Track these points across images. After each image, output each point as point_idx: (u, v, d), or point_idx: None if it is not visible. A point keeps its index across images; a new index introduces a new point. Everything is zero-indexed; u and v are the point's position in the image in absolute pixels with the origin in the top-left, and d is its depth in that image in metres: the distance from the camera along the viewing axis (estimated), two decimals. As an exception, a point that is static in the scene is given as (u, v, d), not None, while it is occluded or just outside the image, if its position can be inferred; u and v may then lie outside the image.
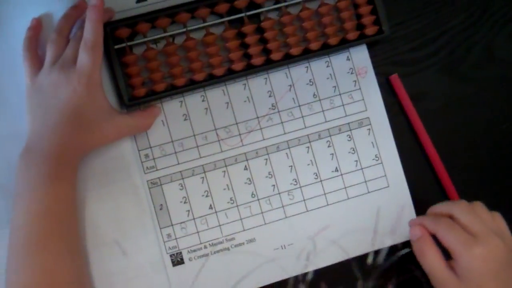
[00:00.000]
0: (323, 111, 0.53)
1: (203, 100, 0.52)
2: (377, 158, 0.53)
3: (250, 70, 0.51)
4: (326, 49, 0.52)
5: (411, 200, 0.53)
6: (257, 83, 0.52)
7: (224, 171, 0.51)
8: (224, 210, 0.51)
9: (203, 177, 0.51)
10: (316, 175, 0.53)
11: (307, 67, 0.53)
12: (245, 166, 0.52)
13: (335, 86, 0.53)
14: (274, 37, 0.51)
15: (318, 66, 0.53)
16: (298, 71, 0.53)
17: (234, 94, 0.52)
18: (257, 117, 0.52)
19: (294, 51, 0.51)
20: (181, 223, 0.51)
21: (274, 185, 0.52)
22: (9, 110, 0.49)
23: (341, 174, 0.53)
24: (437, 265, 0.44)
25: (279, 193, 0.52)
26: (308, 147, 0.53)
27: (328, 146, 0.53)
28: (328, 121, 0.53)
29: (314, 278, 0.52)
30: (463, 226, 0.44)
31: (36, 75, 0.46)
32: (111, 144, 0.49)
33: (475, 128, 0.56)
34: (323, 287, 0.52)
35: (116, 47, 0.49)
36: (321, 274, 0.52)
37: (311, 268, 0.52)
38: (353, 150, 0.53)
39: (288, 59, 0.51)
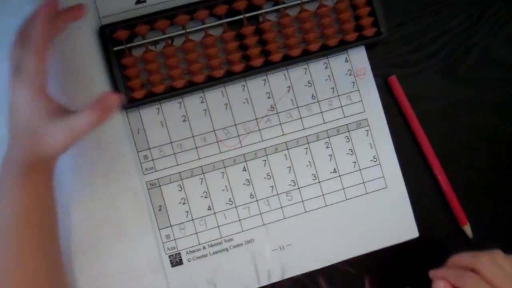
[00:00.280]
0: (321, 112, 0.53)
1: (202, 102, 0.52)
2: (375, 160, 0.53)
3: (249, 71, 0.51)
4: (325, 51, 0.52)
5: (409, 201, 0.54)
6: (256, 85, 0.52)
7: (223, 172, 0.52)
8: (222, 211, 0.51)
9: (202, 178, 0.51)
10: (315, 176, 0.53)
11: (306, 68, 0.53)
12: (244, 167, 0.52)
13: (333, 88, 0.53)
14: (273, 38, 0.51)
15: (317, 67, 0.53)
16: (297, 73, 0.53)
17: (233, 96, 0.52)
18: (256, 119, 0.52)
19: (293, 52, 0.51)
20: (180, 224, 0.51)
21: (272, 186, 0.52)
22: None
23: (339, 175, 0.53)
24: None
25: (277, 194, 0.52)
26: (306, 148, 0.53)
27: (327, 147, 0.53)
28: (327, 122, 0.53)
29: (313, 278, 0.52)
30: (488, 282, 0.43)
31: None
32: (109, 145, 0.49)
33: (473, 130, 0.56)
34: (323, 286, 0.53)
35: (115, 49, 0.49)
36: (320, 274, 0.52)
37: (308, 268, 0.52)
38: (351, 151, 0.53)
39: (287, 61, 0.51)
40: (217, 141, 0.52)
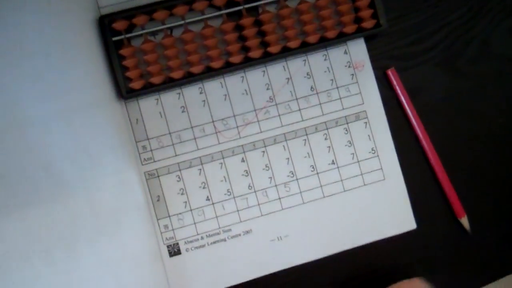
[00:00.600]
0: (320, 104, 0.53)
1: (200, 93, 0.52)
2: (373, 151, 0.54)
3: (248, 63, 0.51)
4: (324, 42, 0.52)
5: (407, 193, 0.54)
6: (255, 76, 0.53)
7: (221, 163, 0.52)
8: (221, 202, 0.52)
9: (200, 169, 0.52)
10: (313, 167, 0.53)
11: (305, 60, 0.53)
12: (242, 158, 0.52)
13: (332, 80, 0.54)
14: (272, 30, 0.51)
15: (316, 59, 0.53)
16: (296, 64, 0.53)
17: (232, 87, 0.52)
18: (255, 110, 0.52)
19: (292, 44, 0.51)
20: (178, 214, 0.51)
21: (271, 177, 0.52)
22: (5, 98, 0.49)
23: (338, 167, 0.53)
24: None
25: (275, 185, 0.52)
26: (305, 139, 0.53)
27: (325, 139, 0.53)
28: (325, 114, 0.53)
29: (310, 269, 0.52)
30: None
31: None
32: (107, 135, 0.49)
33: (472, 122, 0.56)
34: (320, 278, 0.53)
35: (114, 39, 0.49)
36: (316, 265, 0.52)
37: (306, 259, 0.52)
38: (350, 143, 0.53)
39: (286, 52, 0.51)
40: (216, 132, 0.52)
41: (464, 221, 0.55)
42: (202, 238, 0.51)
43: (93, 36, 0.49)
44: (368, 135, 0.54)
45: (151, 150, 0.51)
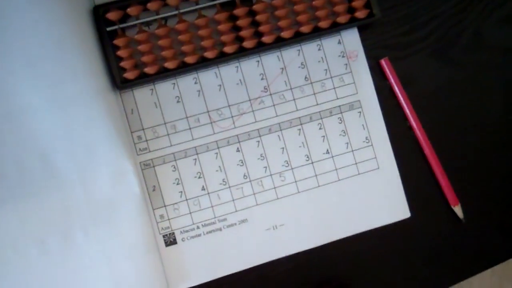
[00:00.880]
0: (314, 94, 0.53)
1: (195, 83, 0.52)
2: (367, 141, 0.54)
3: (242, 52, 0.51)
4: (317, 32, 0.52)
5: (401, 182, 0.54)
6: (250, 66, 0.53)
7: (217, 153, 0.52)
8: (216, 191, 0.52)
9: (195, 159, 0.52)
10: (308, 157, 0.53)
11: (299, 50, 0.53)
12: (237, 148, 0.52)
13: (326, 69, 0.54)
14: (266, 20, 0.51)
15: (310, 49, 0.54)
16: (290, 54, 0.53)
17: (227, 77, 0.52)
18: (249, 100, 0.53)
19: (286, 34, 0.51)
20: (173, 204, 0.51)
21: (266, 167, 0.53)
22: None
23: (332, 156, 0.53)
24: None
25: (270, 175, 0.53)
26: (299, 129, 0.53)
27: (319, 129, 0.53)
28: (320, 103, 0.53)
29: (306, 257, 0.53)
30: None
31: None
32: (102, 125, 0.49)
33: (464, 111, 0.56)
34: (315, 266, 0.53)
35: (108, 29, 0.49)
36: (311, 254, 0.53)
37: (301, 248, 0.52)
38: (344, 132, 0.54)
39: (280, 42, 0.52)
40: (211, 122, 0.52)
41: (458, 210, 0.55)
42: (198, 227, 0.51)
43: (87, 26, 0.49)
44: (362, 125, 0.54)
45: (147, 140, 0.51)
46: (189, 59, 0.50)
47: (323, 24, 0.52)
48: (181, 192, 0.51)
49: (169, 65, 0.50)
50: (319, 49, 0.54)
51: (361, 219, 0.53)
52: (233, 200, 0.52)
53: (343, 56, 0.54)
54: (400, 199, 0.54)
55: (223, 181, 0.52)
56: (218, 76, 0.52)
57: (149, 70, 0.50)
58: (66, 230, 0.49)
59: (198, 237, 0.51)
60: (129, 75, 0.49)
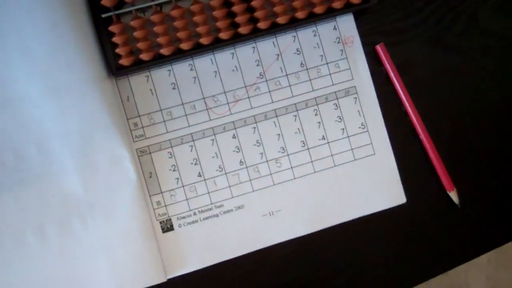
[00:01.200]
0: (310, 80, 0.54)
1: (191, 69, 0.52)
2: (363, 126, 0.54)
3: (237, 39, 0.51)
4: (313, 18, 0.52)
5: (397, 168, 0.54)
6: (245, 52, 0.53)
7: (213, 140, 0.52)
8: (212, 178, 0.52)
9: (191, 146, 0.52)
10: (303, 143, 0.53)
11: (295, 36, 0.53)
12: (233, 134, 0.52)
13: (322, 55, 0.54)
14: (261, 5, 0.51)
15: (305, 35, 0.53)
16: (286, 40, 0.53)
17: (222, 63, 0.52)
18: (245, 86, 0.53)
19: (281, 19, 0.51)
20: (170, 190, 0.51)
21: (262, 153, 0.53)
22: None
23: (328, 142, 0.54)
24: None
25: (267, 161, 0.53)
26: (295, 115, 0.53)
27: (315, 115, 0.54)
28: (315, 89, 0.54)
29: (302, 243, 0.53)
30: None
31: None
32: (98, 112, 0.49)
33: (460, 97, 0.56)
34: (311, 252, 0.53)
35: (103, 15, 0.49)
36: (308, 240, 0.53)
37: (298, 234, 0.53)
38: (340, 118, 0.54)
39: (275, 28, 0.52)
40: (207, 109, 0.52)
41: (453, 195, 0.55)
42: (194, 214, 0.52)
43: (83, 13, 0.49)
44: (358, 111, 0.54)
45: (143, 127, 0.51)
46: (185, 46, 0.50)
47: (319, 9, 0.52)
48: (178, 178, 0.52)
49: (165, 51, 0.50)
50: (314, 35, 0.54)
51: (357, 204, 0.54)
52: (230, 186, 0.52)
53: (338, 42, 0.54)
54: (396, 185, 0.54)
55: (220, 168, 0.52)
56: (214, 63, 0.52)
57: (144, 56, 0.49)
58: (63, 217, 0.49)
59: (195, 223, 0.52)
60: (124, 61, 0.49)
